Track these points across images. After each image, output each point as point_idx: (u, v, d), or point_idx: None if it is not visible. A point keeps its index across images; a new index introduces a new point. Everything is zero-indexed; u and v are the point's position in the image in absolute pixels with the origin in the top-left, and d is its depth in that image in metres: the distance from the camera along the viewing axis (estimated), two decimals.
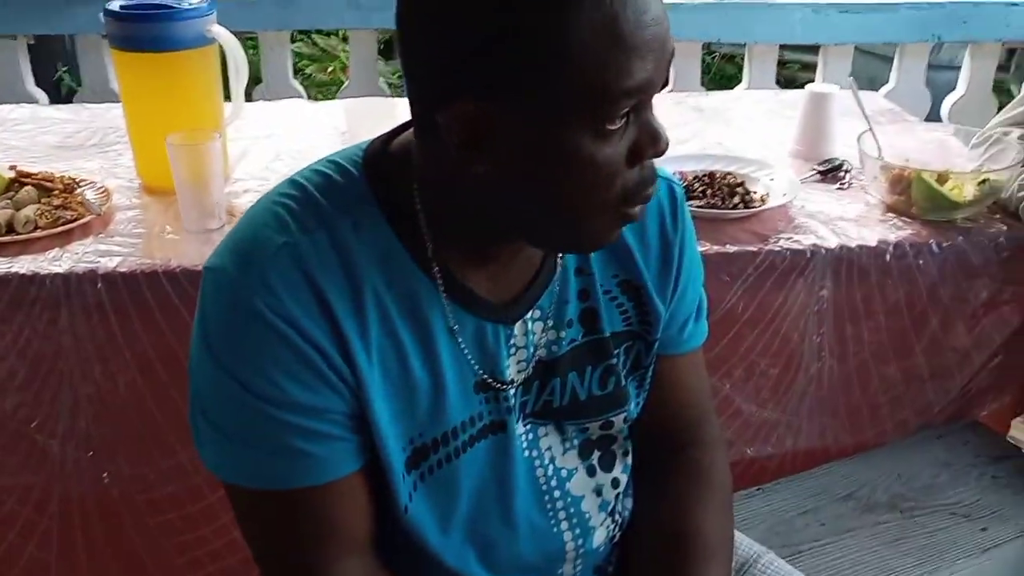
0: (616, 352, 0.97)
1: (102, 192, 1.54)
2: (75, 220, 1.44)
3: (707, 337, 1.08)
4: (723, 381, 1.51)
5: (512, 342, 0.90)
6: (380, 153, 0.86)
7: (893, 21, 2.72)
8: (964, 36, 2.76)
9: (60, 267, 1.33)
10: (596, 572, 1.04)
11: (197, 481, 1.42)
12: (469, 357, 0.88)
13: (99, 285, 1.31)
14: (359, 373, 0.81)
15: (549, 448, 0.95)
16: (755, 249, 1.46)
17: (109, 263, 1.34)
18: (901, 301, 1.52)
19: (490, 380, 0.89)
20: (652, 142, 0.76)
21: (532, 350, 0.92)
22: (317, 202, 0.82)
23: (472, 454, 0.90)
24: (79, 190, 1.54)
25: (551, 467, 0.96)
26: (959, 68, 2.89)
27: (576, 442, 0.97)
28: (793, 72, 5.05)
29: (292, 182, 0.84)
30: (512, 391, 0.91)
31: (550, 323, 0.92)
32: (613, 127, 0.74)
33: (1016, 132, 1.67)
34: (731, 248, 1.46)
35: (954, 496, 1.55)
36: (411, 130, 0.84)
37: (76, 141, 1.84)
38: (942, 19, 2.72)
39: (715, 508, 1.03)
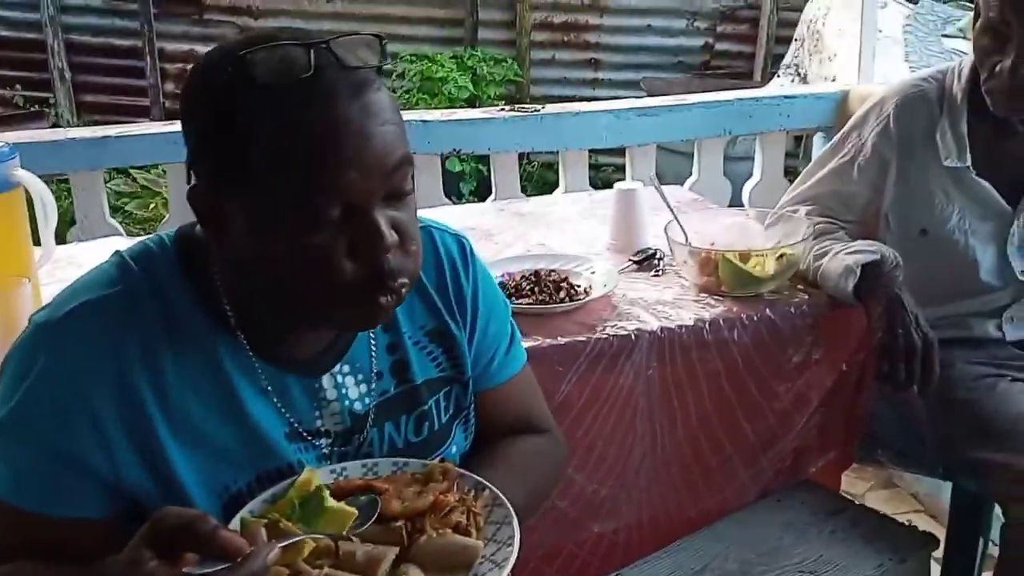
0: (432, 399, 1.06)
1: None
2: None
3: (525, 360, 1.20)
4: None
5: (322, 395, 0.99)
6: (189, 233, 0.97)
7: (688, 119, 2.95)
8: (751, 128, 3.03)
9: None
10: None
11: None
12: (282, 408, 0.96)
13: None
14: (149, 431, 0.89)
15: None
16: (584, 339, 1.52)
17: None
18: (721, 372, 1.61)
19: (301, 430, 0.98)
20: (370, 241, 0.85)
21: (346, 403, 1.01)
22: (128, 267, 0.93)
23: None
24: None
25: None
26: (754, 159, 3.15)
27: None
28: (608, 174, 5.34)
29: (116, 251, 0.96)
30: (324, 441, 0.99)
31: (360, 377, 1.02)
32: (321, 228, 0.84)
33: (803, 209, 1.84)
34: (562, 339, 1.52)
35: (798, 555, 1.61)
36: None
37: None
38: (731, 115, 2.98)
39: (537, 440, 1.16)
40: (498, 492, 0.98)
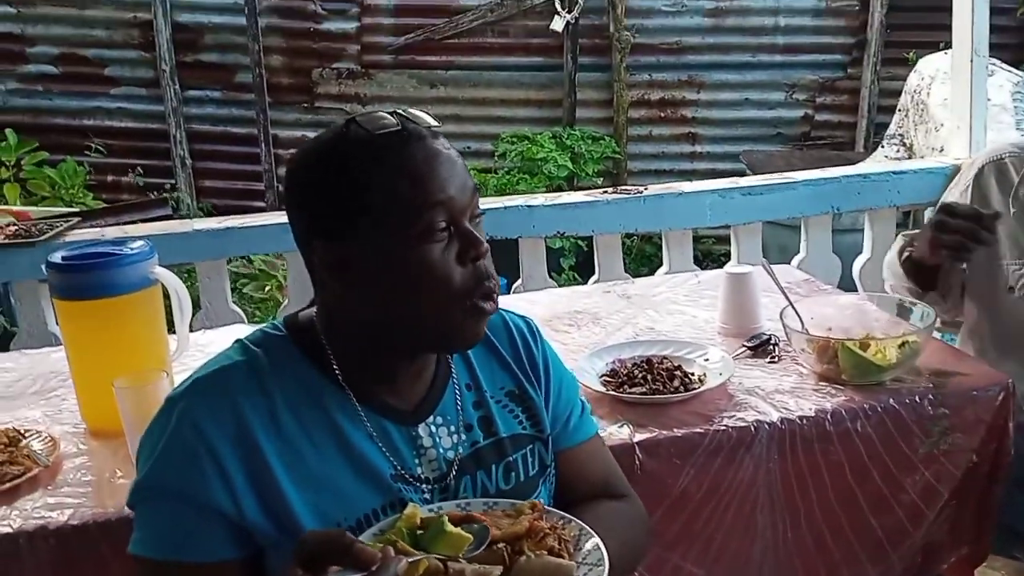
0: (518, 453, 1.19)
1: (48, 442, 1.52)
2: (22, 475, 1.41)
3: (597, 430, 1.33)
4: (684, 558, 1.52)
5: (419, 443, 1.14)
6: (295, 316, 1.17)
7: (794, 198, 2.92)
8: (860, 205, 2.97)
9: (9, 527, 1.29)
10: None
11: None
12: (386, 452, 1.11)
13: (51, 541, 1.28)
14: (267, 476, 1.03)
15: None
16: (701, 430, 1.51)
17: (60, 517, 1.31)
18: (844, 465, 1.57)
19: (404, 473, 1.11)
20: (471, 245, 1.06)
21: (441, 451, 1.14)
22: (247, 346, 1.10)
23: None
24: (24, 442, 1.52)
25: None
26: (862, 230, 3.09)
27: None
28: (708, 246, 5.31)
29: (237, 339, 1.13)
30: (425, 486, 1.13)
31: (453, 428, 1.16)
32: (435, 238, 1.04)
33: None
34: (678, 431, 1.51)
35: None
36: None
37: (17, 390, 1.82)
38: (838, 192, 2.94)
39: (618, 504, 1.26)
40: (583, 524, 1.08)
